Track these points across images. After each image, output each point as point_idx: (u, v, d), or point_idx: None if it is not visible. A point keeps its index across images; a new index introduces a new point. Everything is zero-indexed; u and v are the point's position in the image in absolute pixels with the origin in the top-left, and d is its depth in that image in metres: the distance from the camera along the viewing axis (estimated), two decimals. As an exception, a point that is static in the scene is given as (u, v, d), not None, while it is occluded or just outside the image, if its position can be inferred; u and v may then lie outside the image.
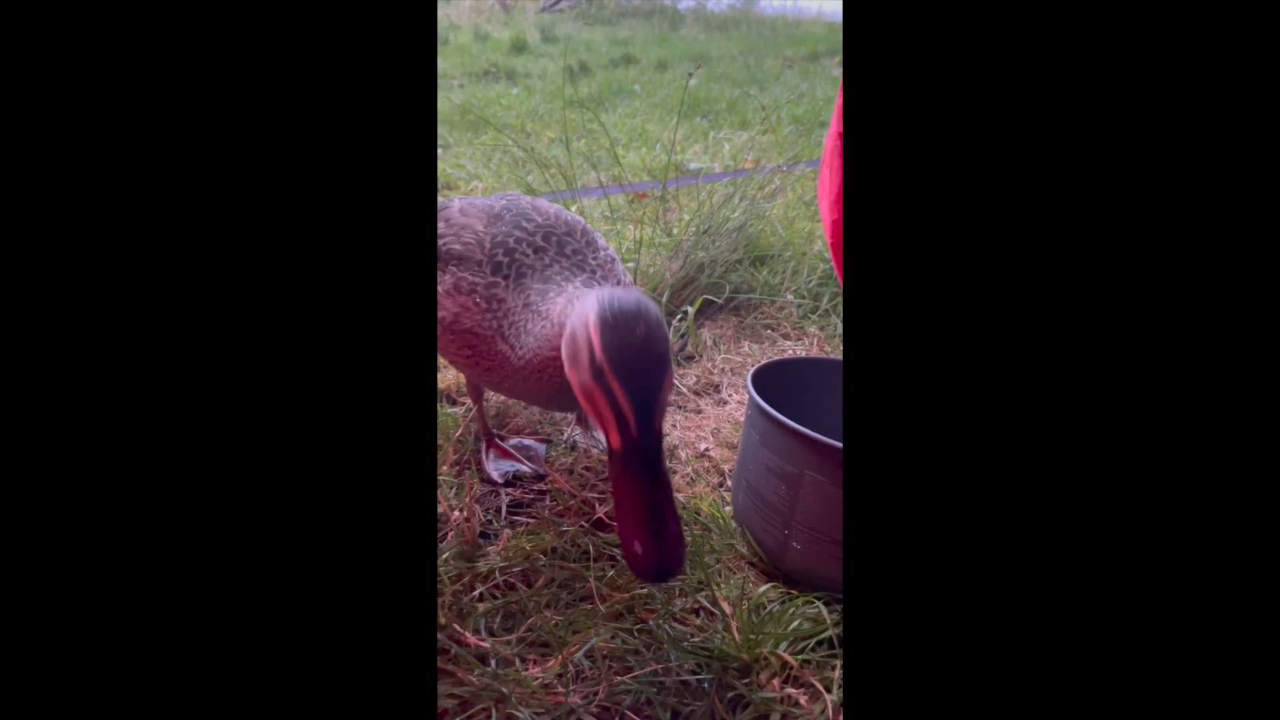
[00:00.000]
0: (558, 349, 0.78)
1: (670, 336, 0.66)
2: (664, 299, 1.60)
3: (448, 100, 3.77)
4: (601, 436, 1.19)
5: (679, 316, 1.58)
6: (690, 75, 1.87)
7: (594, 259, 0.91)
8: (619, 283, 0.92)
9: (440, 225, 0.96)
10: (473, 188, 2.49)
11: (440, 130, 3.20)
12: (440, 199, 1.06)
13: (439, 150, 2.91)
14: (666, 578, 0.60)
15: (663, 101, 4.10)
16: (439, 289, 0.92)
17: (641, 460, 0.60)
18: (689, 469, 1.14)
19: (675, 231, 1.82)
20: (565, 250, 0.90)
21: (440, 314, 0.92)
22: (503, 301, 0.87)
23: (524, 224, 0.92)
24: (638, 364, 0.60)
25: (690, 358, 1.51)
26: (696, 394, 1.39)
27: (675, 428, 1.27)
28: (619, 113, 3.79)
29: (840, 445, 0.81)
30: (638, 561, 0.60)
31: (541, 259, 0.88)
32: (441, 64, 5.23)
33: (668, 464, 0.62)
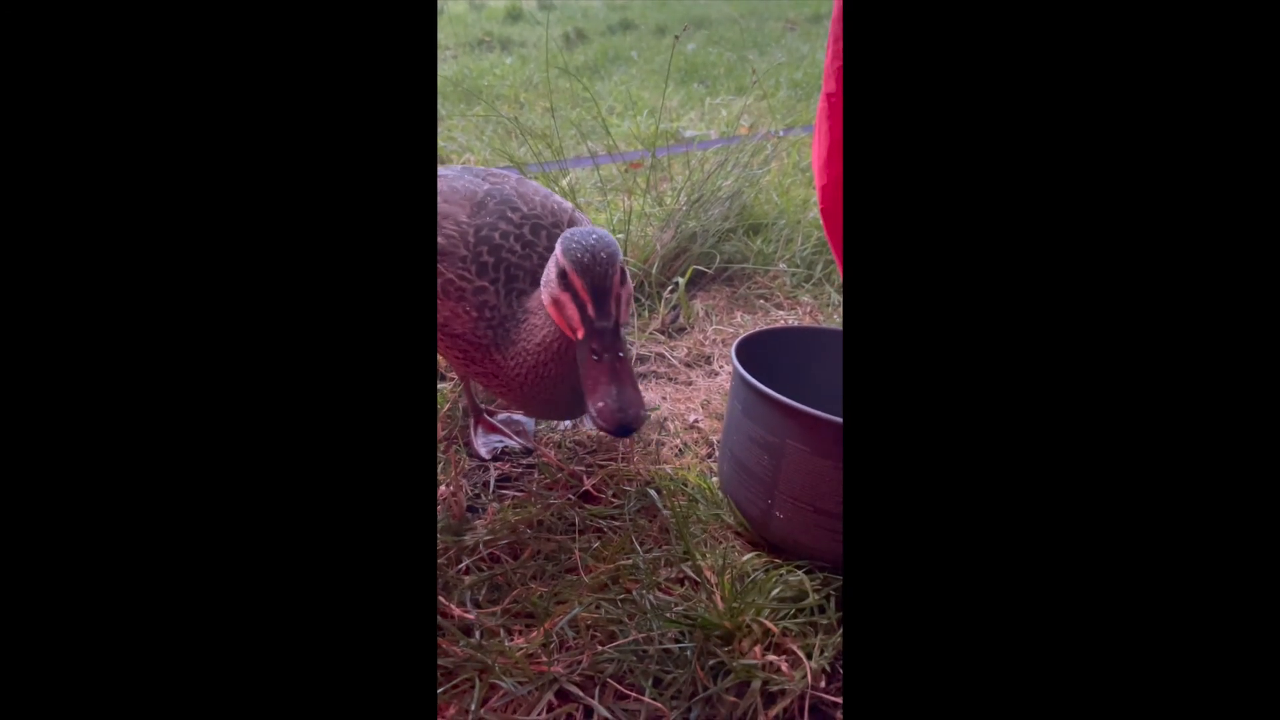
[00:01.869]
0: (549, 349, 0.83)
1: (623, 261, 0.80)
2: (654, 270, 1.58)
3: (440, 73, 3.71)
4: (589, 421, 1.19)
5: (670, 288, 1.56)
6: (677, 38, 1.82)
7: None
8: None
9: None
10: (465, 160, 2.46)
11: (432, 103, 3.15)
12: None
13: (431, 123, 2.87)
14: (628, 431, 0.71)
15: (660, 68, 4.02)
16: None
17: (601, 337, 0.74)
18: (678, 440, 1.14)
19: (667, 201, 1.80)
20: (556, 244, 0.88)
21: None
22: (495, 309, 0.86)
23: (509, 214, 0.89)
24: (592, 260, 0.74)
25: (682, 329, 1.50)
26: (688, 365, 1.38)
27: (665, 400, 1.26)
28: (614, 80, 3.72)
29: (821, 415, 0.80)
30: (602, 416, 0.71)
31: (530, 256, 0.87)
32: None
33: (638, 364, 0.84)
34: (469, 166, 1.05)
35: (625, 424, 0.70)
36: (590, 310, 0.75)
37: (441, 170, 1.03)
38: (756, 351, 1.00)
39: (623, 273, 0.78)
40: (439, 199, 0.93)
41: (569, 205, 0.96)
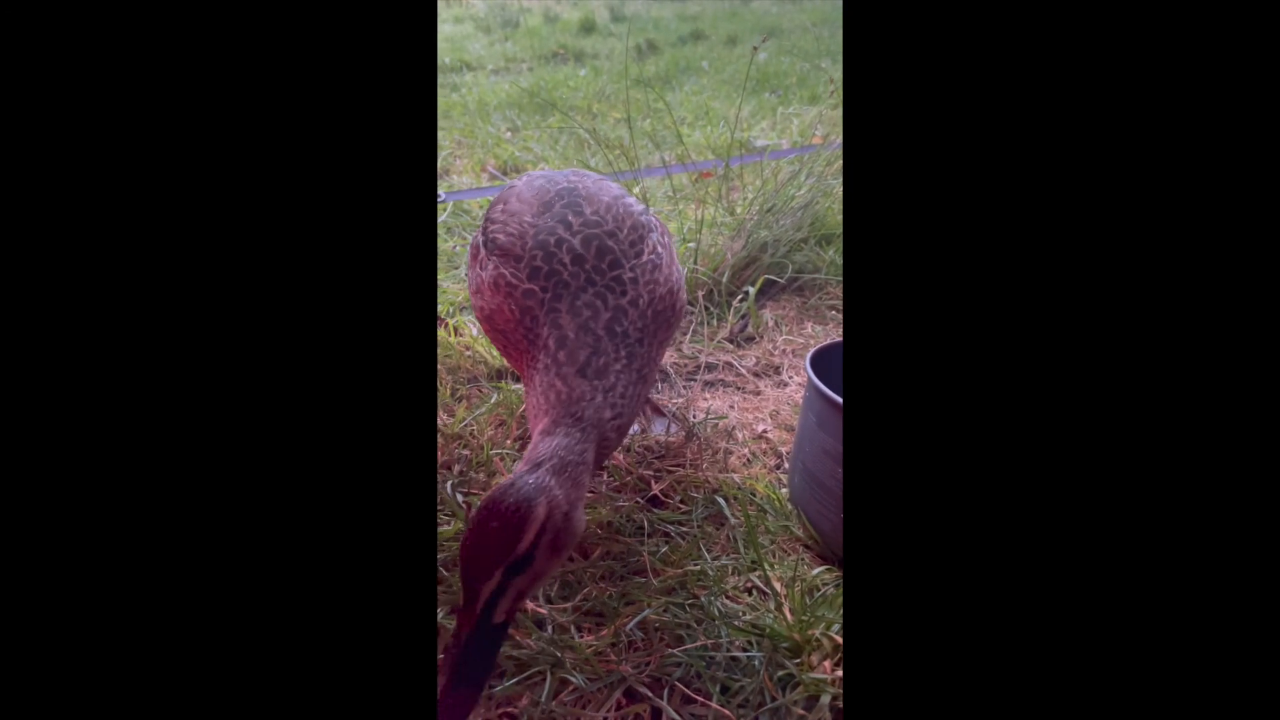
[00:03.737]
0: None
1: (533, 524, 0.65)
2: (725, 279, 1.58)
3: (516, 85, 3.84)
4: (656, 422, 1.20)
5: (740, 297, 1.56)
6: (755, 49, 1.82)
7: (632, 269, 0.86)
8: (652, 296, 0.87)
9: (496, 211, 0.95)
10: (540, 170, 2.54)
11: (509, 113, 3.26)
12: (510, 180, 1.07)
13: (509, 134, 2.97)
14: None
15: (731, 78, 4.02)
16: (484, 276, 0.91)
17: (460, 631, 0.63)
18: (746, 450, 1.14)
19: (739, 210, 1.80)
20: (604, 262, 0.85)
21: (480, 302, 0.92)
22: (536, 319, 0.84)
23: (570, 218, 0.88)
24: (465, 560, 0.64)
25: (750, 339, 1.50)
26: (756, 375, 1.38)
27: (733, 409, 1.26)
28: (686, 90, 3.74)
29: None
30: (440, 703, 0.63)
31: (577, 275, 0.84)
32: (512, 48, 5.32)
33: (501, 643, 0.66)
34: (574, 170, 1.04)
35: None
36: (460, 611, 0.64)
37: (529, 172, 1.05)
38: (831, 363, 0.99)
39: (516, 565, 0.64)
40: (514, 198, 0.95)
41: (639, 208, 0.94)
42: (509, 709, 0.73)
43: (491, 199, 2.22)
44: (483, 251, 0.93)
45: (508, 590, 0.64)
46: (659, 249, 0.91)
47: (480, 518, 0.64)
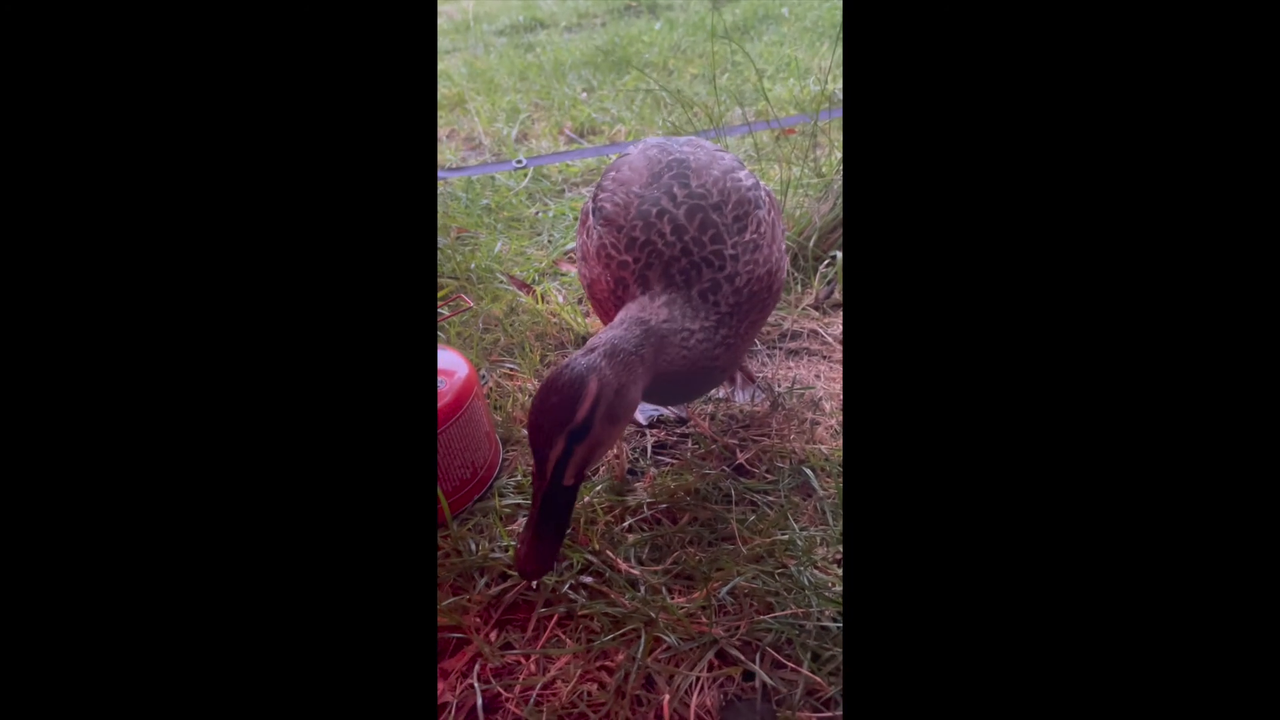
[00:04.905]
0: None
1: (595, 391, 0.74)
2: (811, 243, 1.54)
3: (590, 42, 3.78)
4: (739, 390, 1.20)
5: (825, 262, 1.51)
6: (850, -3, 1.71)
7: (733, 246, 0.84)
8: (751, 276, 0.85)
9: (608, 178, 0.95)
10: (616, 131, 2.51)
11: (584, 73, 3.23)
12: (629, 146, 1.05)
13: (584, 94, 2.95)
14: (527, 576, 0.78)
15: (813, 25, 3.80)
16: (590, 244, 0.92)
17: (536, 494, 0.75)
18: (833, 421, 1.12)
19: (825, 170, 1.73)
20: (705, 235, 0.84)
21: (585, 269, 0.94)
22: (628, 289, 0.85)
23: (675, 190, 0.86)
24: (532, 430, 0.74)
25: (837, 305, 1.46)
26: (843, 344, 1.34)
27: (819, 379, 1.24)
28: (765, 40, 3.58)
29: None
30: (515, 555, 0.77)
31: (673, 245, 0.84)
32: (584, 3, 5.22)
33: (575, 503, 0.78)
34: (690, 138, 1.02)
35: (525, 573, 0.76)
36: (534, 472, 0.74)
37: (648, 139, 1.03)
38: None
39: (576, 432, 0.72)
40: (626, 166, 0.94)
41: (749, 183, 0.91)
42: (607, 663, 0.78)
43: (569, 163, 2.22)
44: (591, 219, 0.94)
45: (573, 456, 0.73)
46: (763, 226, 0.89)
47: (541, 394, 0.74)
